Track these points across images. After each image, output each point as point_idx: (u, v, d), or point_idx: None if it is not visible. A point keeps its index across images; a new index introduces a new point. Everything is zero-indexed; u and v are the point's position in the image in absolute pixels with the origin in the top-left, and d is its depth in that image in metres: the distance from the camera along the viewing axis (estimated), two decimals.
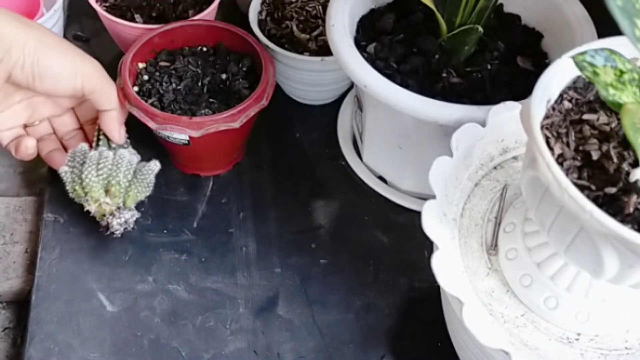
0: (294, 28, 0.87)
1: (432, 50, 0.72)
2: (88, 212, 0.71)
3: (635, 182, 0.43)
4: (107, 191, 0.71)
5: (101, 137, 0.77)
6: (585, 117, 0.48)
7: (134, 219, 0.72)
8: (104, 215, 0.72)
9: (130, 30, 0.84)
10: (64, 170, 0.73)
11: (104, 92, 0.73)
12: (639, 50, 0.41)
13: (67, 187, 0.73)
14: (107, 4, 0.90)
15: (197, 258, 0.75)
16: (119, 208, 0.72)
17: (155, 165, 0.75)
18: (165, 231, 0.75)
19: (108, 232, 0.72)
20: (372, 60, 0.71)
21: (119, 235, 0.72)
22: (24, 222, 0.80)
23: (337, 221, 0.79)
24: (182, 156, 0.79)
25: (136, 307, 0.71)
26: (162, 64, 0.80)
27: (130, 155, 0.75)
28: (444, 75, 0.71)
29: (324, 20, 0.81)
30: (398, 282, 0.74)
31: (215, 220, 0.78)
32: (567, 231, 0.46)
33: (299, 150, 0.85)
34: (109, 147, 0.76)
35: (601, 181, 0.44)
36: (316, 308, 0.72)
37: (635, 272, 0.45)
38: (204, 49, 0.83)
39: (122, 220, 0.71)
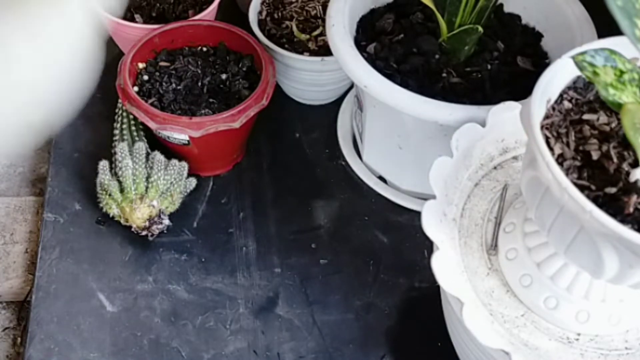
0: (294, 28, 0.87)
1: (432, 50, 0.72)
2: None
3: (635, 182, 0.43)
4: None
5: (134, 129, 0.78)
6: (585, 117, 0.48)
7: (167, 225, 0.74)
8: (148, 217, 0.73)
9: (130, 30, 0.84)
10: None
11: None
12: (639, 50, 0.41)
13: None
14: None
15: (197, 258, 0.75)
16: (159, 214, 0.73)
17: (192, 183, 0.78)
18: (165, 231, 0.75)
19: (144, 234, 0.73)
20: (372, 60, 0.71)
21: (151, 239, 0.74)
22: (24, 222, 0.80)
23: (337, 221, 0.79)
24: (182, 156, 0.79)
25: (136, 307, 0.71)
26: (162, 64, 0.80)
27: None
28: (444, 75, 0.71)
29: (324, 20, 0.81)
30: (398, 282, 0.74)
31: (215, 220, 0.78)
32: (567, 231, 0.46)
33: (299, 150, 0.85)
34: (132, 140, 0.77)
35: (601, 181, 0.44)
36: (316, 308, 0.72)
37: (635, 272, 0.45)
38: (204, 49, 0.83)
39: (162, 225, 0.73)
